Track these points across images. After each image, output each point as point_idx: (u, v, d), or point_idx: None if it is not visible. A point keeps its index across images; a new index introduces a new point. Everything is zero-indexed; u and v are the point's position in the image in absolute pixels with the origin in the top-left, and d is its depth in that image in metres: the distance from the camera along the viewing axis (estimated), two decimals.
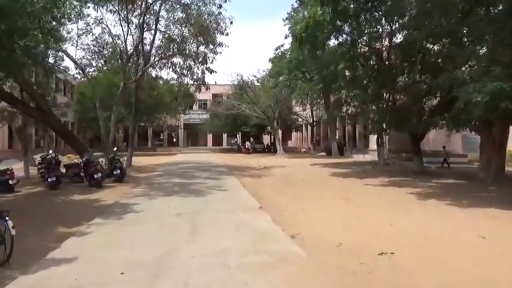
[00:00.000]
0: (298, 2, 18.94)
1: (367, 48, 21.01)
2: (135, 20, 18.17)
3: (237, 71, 52.77)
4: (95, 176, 12.45)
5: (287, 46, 31.32)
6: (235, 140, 54.98)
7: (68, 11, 9.95)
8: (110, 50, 19.53)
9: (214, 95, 55.55)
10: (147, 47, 18.58)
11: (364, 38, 20.26)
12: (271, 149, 46.35)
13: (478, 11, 13.53)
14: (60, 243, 5.91)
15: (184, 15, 17.34)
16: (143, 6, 17.59)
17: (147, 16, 17.83)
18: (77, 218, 7.99)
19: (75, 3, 13.53)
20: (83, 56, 19.49)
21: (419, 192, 11.71)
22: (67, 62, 48.47)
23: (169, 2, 18.20)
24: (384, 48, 19.80)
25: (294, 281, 4.39)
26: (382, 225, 7.26)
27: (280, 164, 24.26)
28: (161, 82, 25.68)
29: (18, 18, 7.81)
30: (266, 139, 53.63)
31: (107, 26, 19.06)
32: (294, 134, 53.60)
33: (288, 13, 29.58)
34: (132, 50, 17.93)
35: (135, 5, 16.27)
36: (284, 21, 29.98)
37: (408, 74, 18.15)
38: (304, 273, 4.67)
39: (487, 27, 12.03)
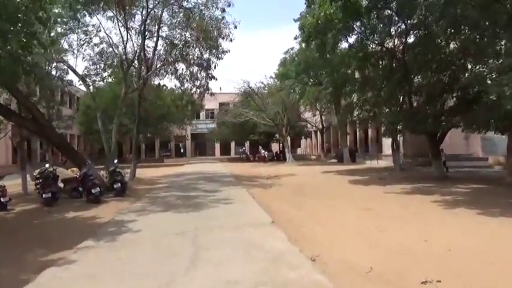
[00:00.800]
0: (307, 2, 17.97)
1: (379, 47, 20.08)
2: (136, 26, 17.49)
3: (243, 78, 52.02)
4: (93, 191, 11.56)
5: (297, 49, 30.56)
6: (244, 148, 54.07)
7: (56, 11, 9.14)
8: (110, 59, 18.78)
9: (221, 104, 54.88)
10: (149, 54, 17.84)
11: (376, 36, 19.36)
12: (280, 157, 45.30)
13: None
14: (37, 275, 4.97)
15: (186, 19, 16.58)
16: (144, 12, 16.92)
17: (148, 22, 17.11)
18: (66, 239, 7.09)
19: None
20: (86, 67, 18.79)
21: (445, 200, 10.61)
22: (72, 76, 48.17)
23: (171, 7, 17.48)
24: (397, 47, 18.82)
25: None
26: (414, 241, 6.21)
27: (290, 172, 23.23)
28: (165, 90, 24.88)
29: None
30: (274, 147, 52.62)
31: (105, 33, 18.39)
32: (303, 141, 52.54)
33: (300, 13, 28.78)
34: (132, 57, 17.20)
35: (134, 10, 15.54)
36: (295, 21, 29.16)
37: (425, 73, 17.11)
38: None
39: None
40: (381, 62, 19.61)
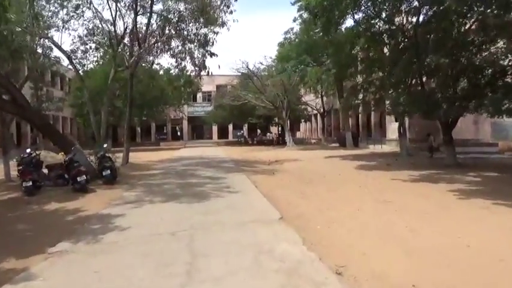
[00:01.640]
0: None
1: (387, 26, 18.79)
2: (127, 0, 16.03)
3: (241, 59, 50.14)
4: (78, 179, 10.44)
5: (297, 29, 29.12)
6: (242, 132, 52.90)
7: None
8: (100, 36, 17.33)
9: (219, 86, 53.40)
10: (142, 31, 16.42)
11: (385, 13, 18.09)
12: (279, 141, 44.22)
13: None
14: None
15: None
16: None
17: None
18: (39, 239, 6.02)
19: None
20: (73, 42, 17.31)
21: (462, 190, 9.69)
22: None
23: None
24: (407, 25, 17.55)
25: None
26: (454, 245, 5.19)
27: (292, 157, 22.17)
28: (159, 70, 23.48)
29: None
30: (273, 131, 51.47)
31: (94, 8, 16.83)
32: (302, 125, 51.36)
33: None
34: (122, 33, 15.82)
35: None
36: (292, 4, 27.65)
37: (438, 53, 15.89)
38: None
39: None
40: (390, 41, 18.38)
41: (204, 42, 16.56)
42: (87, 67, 21.73)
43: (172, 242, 5.47)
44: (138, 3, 16.20)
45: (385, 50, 20.34)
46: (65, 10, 16.15)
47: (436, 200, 8.56)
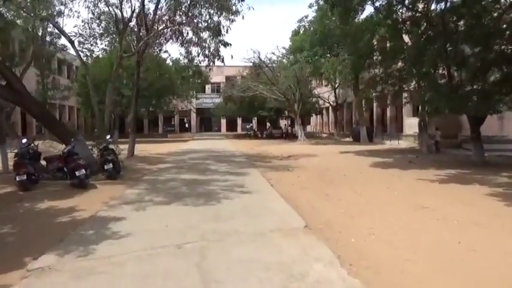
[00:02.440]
0: None
1: (409, 13, 17.53)
2: None
3: (253, 48, 48.61)
4: (77, 174, 9.49)
5: (312, 17, 27.87)
6: (251, 124, 51.84)
7: None
8: (106, 21, 16.28)
9: (228, 78, 52.36)
10: (151, 13, 15.33)
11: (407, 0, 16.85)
12: (289, 135, 43.12)
13: None
14: None
15: None
16: None
17: None
18: (21, 249, 5.06)
19: None
20: (75, 26, 16.32)
21: (503, 194, 8.60)
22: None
23: None
24: (433, 12, 16.26)
25: None
26: None
27: (305, 152, 21.09)
28: (167, 59, 22.44)
29: None
30: (283, 124, 50.35)
31: None
32: (313, 118, 50.13)
33: None
34: (130, 16, 14.77)
35: None
36: None
37: (470, 42, 14.60)
38: None
39: None
40: (413, 29, 17.10)
41: (217, 31, 15.41)
42: (93, 54, 20.88)
43: (179, 259, 4.45)
44: None
45: (406, 39, 19.11)
46: None
47: (479, 207, 7.45)
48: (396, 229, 5.85)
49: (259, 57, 33.11)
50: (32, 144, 11.06)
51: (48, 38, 27.17)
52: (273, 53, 34.76)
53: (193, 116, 56.03)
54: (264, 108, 39.48)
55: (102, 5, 15.27)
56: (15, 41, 24.42)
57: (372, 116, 33.75)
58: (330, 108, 40.46)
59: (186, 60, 17.15)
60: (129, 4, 15.15)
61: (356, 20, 20.91)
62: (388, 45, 20.44)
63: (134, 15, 14.97)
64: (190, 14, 14.59)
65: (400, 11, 17.88)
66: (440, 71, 16.22)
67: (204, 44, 15.52)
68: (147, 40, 15.04)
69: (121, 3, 14.51)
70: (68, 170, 9.87)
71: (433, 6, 16.70)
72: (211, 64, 15.97)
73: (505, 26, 13.50)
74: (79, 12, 15.25)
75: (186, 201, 7.90)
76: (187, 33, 15.56)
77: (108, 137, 12.23)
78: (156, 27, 14.99)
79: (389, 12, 17.47)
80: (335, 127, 37.88)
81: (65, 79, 36.54)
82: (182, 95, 37.03)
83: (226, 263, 4.29)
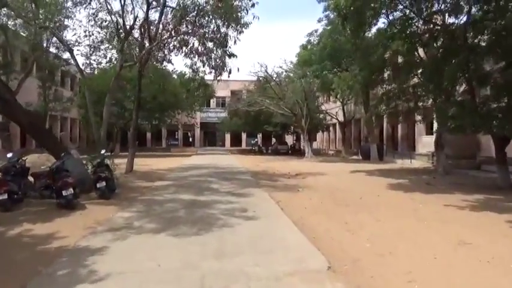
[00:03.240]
0: None
1: (427, 26, 16.64)
2: None
3: (260, 61, 47.74)
4: (63, 193, 8.46)
5: (320, 31, 27.11)
6: (256, 140, 50.85)
7: None
8: (106, 28, 15.49)
9: (233, 92, 51.67)
10: (154, 21, 14.53)
11: (426, 13, 15.99)
12: (295, 151, 42.05)
13: None
14: None
15: None
16: None
17: None
18: None
19: None
20: (75, 34, 15.52)
21: None
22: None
23: None
24: (454, 25, 15.35)
25: None
26: None
27: (313, 170, 19.99)
28: (172, 72, 21.62)
29: None
30: (288, 140, 49.34)
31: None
32: (319, 135, 49.05)
33: None
34: (132, 24, 13.98)
35: None
36: (319, 2, 25.57)
37: (495, 55, 13.62)
38: None
39: None
40: (431, 43, 16.18)
41: (224, 42, 14.53)
42: (94, 65, 20.17)
43: None
44: None
45: (421, 53, 18.21)
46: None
47: None
48: (441, 275, 4.73)
49: (266, 70, 32.31)
50: (20, 160, 10.07)
51: (54, 50, 26.70)
52: (280, 67, 33.97)
53: (197, 130, 55.20)
54: (270, 123, 38.56)
55: (103, 14, 14.54)
56: (17, 50, 23.77)
57: (382, 133, 32.64)
58: (337, 124, 39.45)
59: (190, 71, 16.24)
60: (132, 11, 14.12)
61: (367, 34, 20.12)
62: (400, 60, 19.53)
63: (137, 22, 14.21)
64: (197, 24, 13.75)
65: (416, 24, 17.03)
66: (458, 87, 15.26)
67: (210, 55, 14.65)
68: (150, 49, 14.19)
69: (123, 9, 13.71)
70: (55, 189, 8.82)
71: (451, 20, 15.85)
72: (217, 76, 15.04)
73: None
74: (81, 21, 14.63)
75: (184, 229, 6.81)
76: (193, 43, 14.73)
77: (103, 151, 11.21)
78: (159, 37, 14.17)
79: (404, 26, 16.62)
80: (342, 144, 36.75)
81: (68, 91, 35.87)
82: (186, 108, 36.19)
83: None
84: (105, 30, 15.63)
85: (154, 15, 14.99)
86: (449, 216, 8.61)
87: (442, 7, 15.74)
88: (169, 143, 51.42)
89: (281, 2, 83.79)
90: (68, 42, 15.39)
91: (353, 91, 25.07)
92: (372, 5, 15.07)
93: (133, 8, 14.58)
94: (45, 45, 25.21)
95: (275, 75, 33.03)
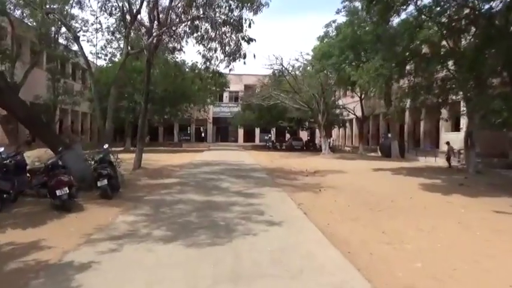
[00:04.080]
0: None
1: (456, 14, 15.26)
2: None
3: (276, 54, 45.72)
4: (58, 193, 7.46)
5: (339, 23, 25.68)
6: (269, 135, 49.65)
7: None
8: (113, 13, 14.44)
9: (247, 86, 50.50)
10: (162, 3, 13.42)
11: None
12: (310, 147, 40.75)
13: None
14: None
15: None
16: None
17: None
18: None
19: None
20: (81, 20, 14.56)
21: None
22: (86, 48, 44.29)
23: None
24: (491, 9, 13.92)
25: None
26: None
27: (332, 167, 18.77)
28: (184, 63, 20.56)
29: None
30: (303, 135, 48.03)
31: None
32: (334, 131, 47.56)
33: None
34: (139, 7, 12.89)
35: None
36: None
37: None
38: None
39: None
40: (469, 29, 14.81)
41: (239, 26, 13.31)
42: (105, 58, 19.40)
43: None
44: None
45: (450, 44, 16.79)
46: None
47: None
48: None
49: (281, 63, 30.96)
50: (17, 155, 9.14)
51: (63, 41, 25.94)
52: (297, 60, 32.61)
53: (210, 125, 54.25)
54: (284, 119, 37.30)
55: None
56: (25, 41, 23.04)
57: (402, 129, 31.12)
58: (354, 120, 37.98)
59: (203, 60, 15.06)
60: None
61: (392, 23, 18.79)
62: (429, 50, 18.11)
63: (144, 5, 13.09)
64: (208, 4, 12.58)
65: (449, 10, 15.63)
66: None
67: (224, 40, 13.48)
68: (159, 36, 13.14)
69: None
70: (48, 188, 7.84)
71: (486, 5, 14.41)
72: (231, 64, 13.87)
73: None
74: (91, 7, 13.64)
75: (194, 239, 5.73)
76: (206, 28, 13.58)
77: (105, 146, 10.19)
78: (169, 19, 13.07)
79: (436, 13, 15.25)
80: (360, 140, 35.28)
81: (79, 84, 35.19)
82: (199, 102, 35.16)
83: None
84: (113, 17, 14.62)
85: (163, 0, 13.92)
86: (503, 224, 7.38)
87: None
88: (181, 138, 50.55)
89: None
90: (75, 29, 14.42)
91: (376, 84, 23.76)
92: None
93: None
94: (53, 36, 24.55)
95: (291, 68, 31.70)
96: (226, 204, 8.61)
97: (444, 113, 21.38)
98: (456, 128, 24.14)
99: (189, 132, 53.00)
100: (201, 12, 13.08)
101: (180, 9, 12.97)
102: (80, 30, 14.70)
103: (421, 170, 18.40)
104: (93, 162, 10.39)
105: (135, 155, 15.12)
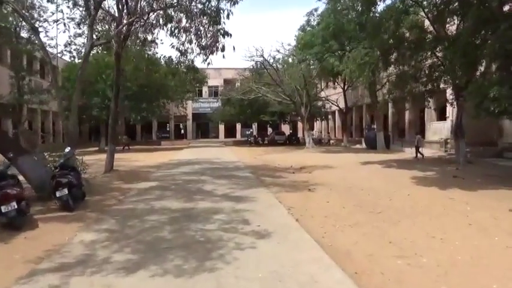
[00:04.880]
0: None
1: None
2: None
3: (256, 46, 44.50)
4: (2, 209, 6.23)
5: (321, 11, 24.79)
6: (251, 131, 48.62)
7: None
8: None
9: (226, 81, 49.24)
10: None
11: None
12: (293, 141, 39.95)
13: None
14: None
15: None
16: None
17: None
18: None
19: None
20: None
21: None
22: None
23: None
24: None
25: None
26: None
27: (319, 162, 17.91)
28: (159, 57, 19.25)
29: None
30: (285, 129, 47.19)
31: None
32: (316, 123, 46.91)
33: None
34: None
35: None
36: None
37: None
38: None
39: None
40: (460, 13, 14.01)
41: (216, 17, 12.11)
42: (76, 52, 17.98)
43: None
44: None
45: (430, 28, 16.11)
46: None
47: None
48: None
49: (262, 55, 29.82)
50: None
51: (25, 35, 24.19)
52: (278, 51, 31.58)
53: (189, 121, 52.78)
54: (266, 113, 36.30)
55: None
56: None
57: (386, 120, 30.60)
58: (337, 112, 37.34)
59: (178, 54, 13.84)
60: None
61: (377, 9, 17.96)
62: (415, 37, 17.35)
63: None
64: None
65: None
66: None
67: (200, 32, 12.32)
68: (128, 25, 11.86)
69: None
70: None
71: None
72: (209, 57, 12.71)
73: None
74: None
75: (165, 265, 4.63)
76: (179, 18, 12.38)
77: (67, 149, 8.91)
78: (139, 9, 11.84)
79: None
80: (343, 133, 34.64)
81: (48, 82, 33.25)
82: (176, 98, 33.73)
83: None
84: (77, 7, 13.21)
85: None
86: (504, 221, 6.58)
87: None
88: (159, 135, 48.95)
89: None
90: (33, 20, 12.97)
91: (363, 73, 22.97)
92: None
93: None
94: (14, 29, 22.84)
95: (272, 60, 30.61)
96: (206, 213, 7.53)
97: (431, 102, 20.78)
98: (442, 117, 23.66)
99: (168, 129, 51.45)
100: (175, 0, 11.85)
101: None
102: (38, 21, 13.16)
103: (409, 162, 17.77)
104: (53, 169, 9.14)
105: (106, 155, 13.84)
